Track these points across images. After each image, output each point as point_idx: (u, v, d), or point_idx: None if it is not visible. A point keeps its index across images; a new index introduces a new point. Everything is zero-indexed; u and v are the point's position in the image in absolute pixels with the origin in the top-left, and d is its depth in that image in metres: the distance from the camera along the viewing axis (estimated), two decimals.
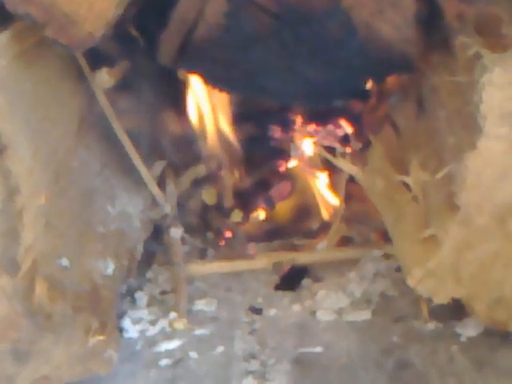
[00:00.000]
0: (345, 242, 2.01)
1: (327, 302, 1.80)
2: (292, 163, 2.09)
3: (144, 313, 1.79)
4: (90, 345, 1.53)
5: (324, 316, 1.77)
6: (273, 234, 2.04)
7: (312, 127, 2.06)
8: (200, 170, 2.04)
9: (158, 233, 1.95)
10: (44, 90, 1.68)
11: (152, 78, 1.99)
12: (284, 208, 2.06)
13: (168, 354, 1.69)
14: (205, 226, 2.06)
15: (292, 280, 1.90)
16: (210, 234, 2.05)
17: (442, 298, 1.62)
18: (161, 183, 1.95)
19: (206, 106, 2.04)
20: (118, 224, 1.78)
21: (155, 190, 1.92)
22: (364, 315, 1.77)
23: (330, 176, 2.05)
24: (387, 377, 1.60)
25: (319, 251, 1.98)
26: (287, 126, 2.10)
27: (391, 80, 1.88)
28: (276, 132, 2.11)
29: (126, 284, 1.80)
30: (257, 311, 1.81)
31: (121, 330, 1.73)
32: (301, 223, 2.06)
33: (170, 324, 1.75)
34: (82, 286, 1.58)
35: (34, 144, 1.54)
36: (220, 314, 1.80)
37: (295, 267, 1.93)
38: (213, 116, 2.05)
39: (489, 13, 1.61)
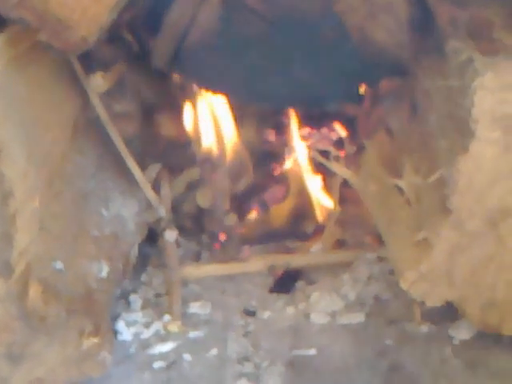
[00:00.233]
0: (339, 244, 2.01)
1: (321, 305, 1.81)
2: (286, 167, 2.09)
3: (138, 315, 1.80)
4: (84, 347, 1.54)
5: (318, 318, 1.78)
6: (267, 236, 2.04)
7: (306, 131, 2.06)
8: (194, 173, 2.04)
9: (152, 236, 1.95)
10: (38, 94, 1.68)
11: (147, 81, 2.00)
12: (278, 211, 2.06)
13: (162, 356, 1.69)
14: (199, 228, 2.06)
15: (286, 283, 1.91)
16: (204, 237, 2.05)
17: (434, 301, 1.63)
18: (155, 186, 1.95)
19: (202, 109, 2.05)
20: (112, 227, 1.79)
21: (150, 193, 1.92)
22: (358, 318, 1.77)
23: (324, 179, 2.06)
24: (381, 379, 1.61)
25: (313, 254, 1.99)
26: (282, 129, 2.10)
27: (384, 84, 1.89)
28: (270, 135, 2.11)
29: (121, 287, 1.81)
30: (251, 314, 1.81)
31: (115, 332, 1.73)
32: (295, 226, 2.06)
33: (165, 326, 1.76)
34: (76, 289, 1.58)
35: (28, 147, 1.55)
36: (214, 316, 1.81)
37: (289, 270, 1.93)
38: (210, 119, 2.05)
39: (481, 17, 1.61)
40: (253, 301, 1.86)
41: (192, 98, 2.03)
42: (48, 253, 1.54)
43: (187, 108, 2.04)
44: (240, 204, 2.07)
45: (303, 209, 2.06)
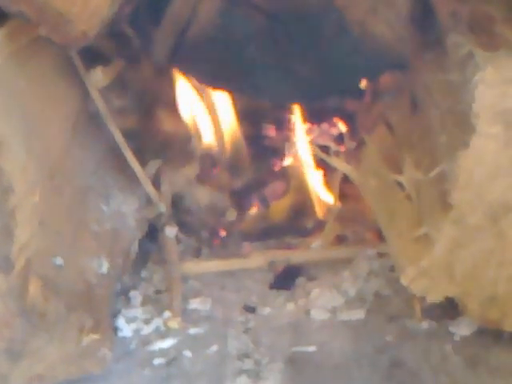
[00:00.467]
0: (339, 240, 2.01)
1: (321, 301, 1.80)
2: (286, 162, 2.09)
3: (138, 312, 1.79)
4: (84, 344, 1.54)
5: (318, 315, 1.78)
6: (267, 232, 2.04)
7: (306, 126, 2.06)
8: (194, 168, 2.03)
9: (152, 232, 1.94)
10: (38, 89, 1.68)
11: (147, 76, 1.99)
12: (278, 207, 2.06)
13: (162, 352, 1.69)
14: (199, 224, 2.05)
15: (286, 279, 1.91)
16: (204, 233, 2.05)
17: (435, 297, 1.63)
18: (156, 182, 1.95)
19: (202, 104, 2.04)
20: (112, 223, 1.79)
21: (150, 188, 1.92)
22: (358, 314, 1.77)
23: (325, 175, 2.05)
24: (381, 375, 1.61)
25: (314, 250, 1.98)
26: (282, 124, 2.10)
27: (385, 79, 1.89)
28: (270, 131, 2.11)
29: (121, 283, 1.80)
30: (251, 310, 1.81)
31: (115, 328, 1.73)
32: (295, 222, 2.06)
33: (165, 323, 1.75)
34: (76, 285, 1.58)
35: (28, 142, 1.55)
36: (214, 312, 1.80)
37: (290, 266, 1.93)
38: (210, 114, 2.05)
39: (482, 11, 1.61)
40: (253, 297, 1.86)
41: (192, 93, 2.03)
42: (48, 248, 1.54)
43: (187, 103, 2.03)
44: (240, 200, 2.07)
45: (303, 204, 2.06)
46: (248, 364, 1.64)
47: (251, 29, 1.65)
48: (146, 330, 1.75)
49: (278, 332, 1.74)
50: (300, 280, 1.90)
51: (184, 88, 2.01)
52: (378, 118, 1.91)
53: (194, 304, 1.82)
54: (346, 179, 1.98)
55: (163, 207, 1.93)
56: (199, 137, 2.04)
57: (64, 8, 1.51)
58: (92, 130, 1.84)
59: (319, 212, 2.05)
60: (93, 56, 1.79)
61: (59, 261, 1.55)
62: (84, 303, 1.57)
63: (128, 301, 1.83)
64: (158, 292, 1.87)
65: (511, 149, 1.50)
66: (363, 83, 1.88)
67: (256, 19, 1.65)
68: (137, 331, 1.75)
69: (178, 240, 1.96)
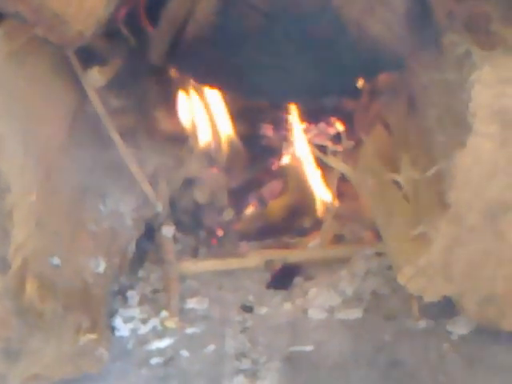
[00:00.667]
0: (336, 240, 2.00)
1: (319, 301, 1.80)
2: (284, 162, 2.09)
3: (135, 311, 1.79)
4: (81, 343, 1.54)
5: (315, 314, 1.78)
6: (264, 232, 2.04)
7: (304, 126, 2.06)
8: (192, 168, 2.03)
9: (150, 231, 1.94)
10: (36, 88, 1.68)
11: (144, 76, 1.99)
12: (276, 206, 2.06)
13: (159, 352, 1.69)
14: (197, 224, 2.05)
15: (284, 278, 1.90)
16: (201, 233, 2.05)
17: (432, 296, 1.63)
18: (153, 182, 1.95)
19: (199, 103, 2.04)
20: (109, 222, 1.78)
21: (147, 188, 1.92)
22: (355, 313, 1.77)
23: (322, 174, 2.05)
24: (378, 375, 1.61)
25: (311, 249, 1.98)
26: (279, 124, 2.10)
27: (382, 79, 1.89)
28: (268, 130, 2.11)
29: (118, 282, 1.80)
30: (248, 309, 1.81)
31: (112, 328, 1.73)
32: (293, 221, 2.06)
33: (162, 322, 1.76)
34: (73, 285, 1.58)
35: (26, 142, 1.55)
36: (211, 312, 1.80)
37: (287, 265, 1.93)
38: (207, 114, 2.05)
39: (479, 10, 1.61)
40: (250, 296, 1.86)
41: (189, 92, 2.03)
42: (45, 248, 1.54)
43: (184, 103, 2.03)
44: (237, 199, 2.07)
45: (301, 204, 2.06)
46: (245, 363, 1.64)
47: (248, 28, 1.65)
48: (143, 329, 1.75)
49: (275, 331, 1.74)
50: (297, 279, 1.90)
51: (181, 88, 2.02)
52: (375, 117, 1.92)
53: (192, 303, 1.82)
54: (343, 179, 1.99)
55: (160, 207, 1.93)
56: (196, 136, 2.04)
57: (60, 9, 1.51)
58: (89, 129, 1.84)
59: (316, 211, 2.05)
60: (90, 56, 1.79)
61: (56, 260, 1.55)
62: (81, 303, 1.57)
63: (125, 300, 1.83)
64: (155, 291, 1.87)
65: (508, 148, 1.50)
66: (360, 83, 1.88)
67: (253, 19, 1.65)
68: (134, 331, 1.75)
69: (175, 239, 1.96)
